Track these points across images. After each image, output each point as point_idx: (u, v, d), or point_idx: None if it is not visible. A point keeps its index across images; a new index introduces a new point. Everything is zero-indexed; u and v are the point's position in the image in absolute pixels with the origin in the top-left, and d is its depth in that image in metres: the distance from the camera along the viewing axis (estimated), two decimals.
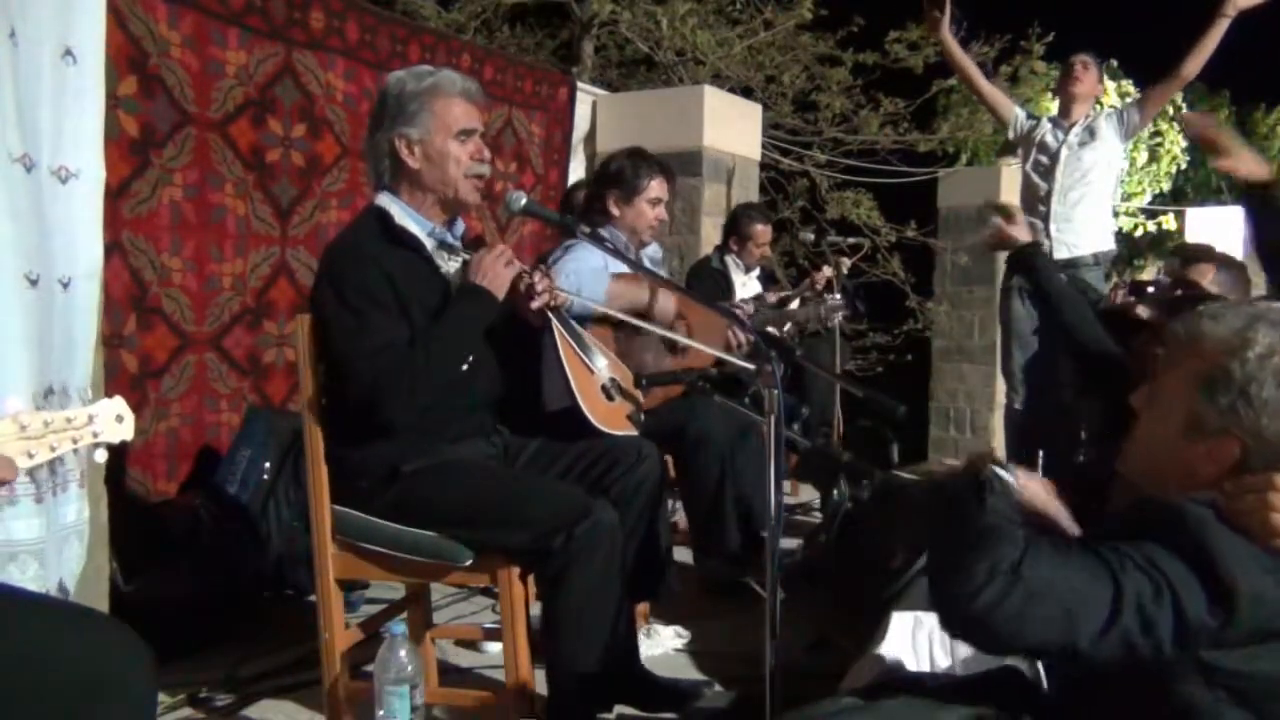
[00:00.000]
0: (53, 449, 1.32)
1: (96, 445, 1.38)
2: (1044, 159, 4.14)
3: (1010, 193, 6.29)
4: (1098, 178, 4.13)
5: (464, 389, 2.09)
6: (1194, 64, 3.99)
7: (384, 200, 2.10)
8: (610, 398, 2.46)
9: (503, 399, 2.26)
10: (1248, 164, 2.64)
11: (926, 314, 7.79)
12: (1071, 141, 4.10)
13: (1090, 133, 4.11)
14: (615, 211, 3.07)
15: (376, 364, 1.95)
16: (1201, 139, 2.76)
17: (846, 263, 4.32)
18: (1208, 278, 2.92)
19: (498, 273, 2.07)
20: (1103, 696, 1.33)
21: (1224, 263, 2.92)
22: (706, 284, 4.23)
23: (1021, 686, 1.73)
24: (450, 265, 2.15)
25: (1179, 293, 2.81)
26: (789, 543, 3.40)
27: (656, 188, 3.08)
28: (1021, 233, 3.14)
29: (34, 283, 2.11)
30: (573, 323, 2.46)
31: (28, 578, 2.10)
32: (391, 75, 2.12)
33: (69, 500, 2.25)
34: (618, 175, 3.09)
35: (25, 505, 2.11)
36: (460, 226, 2.20)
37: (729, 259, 4.41)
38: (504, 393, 2.26)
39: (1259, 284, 3.34)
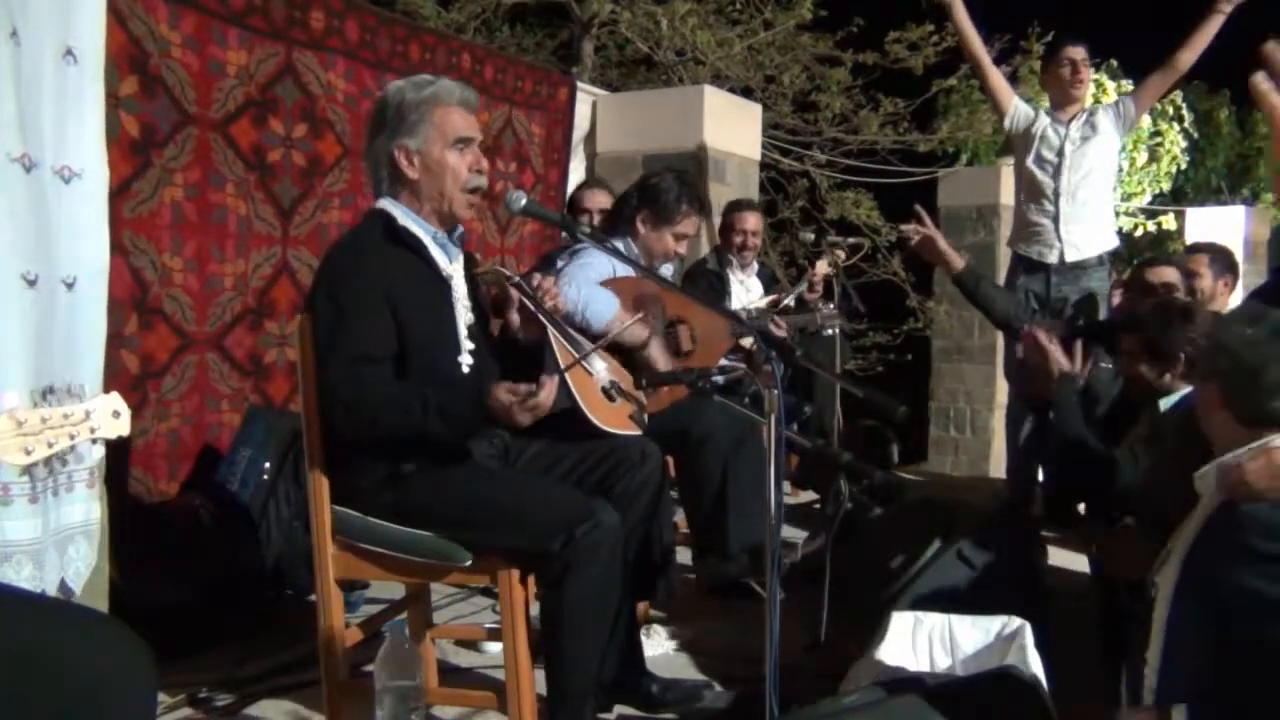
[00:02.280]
0: (50, 445, 1.32)
1: (94, 441, 1.38)
2: (1049, 156, 4.05)
3: (1009, 192, 6.29)
4: (1100, 174, 4.08)
5: (466, 391, 2.10)
6: (1188, 56, 3.95)
7: (385, 203, 2.11)
8: (612, 399, 2.46)
9: None
10: None
11: (926, 314, 7.79)
12: (1074, 138, 4.01)
13: (1092, 128, 4.03)
14: (641, 229, 3.05)
15: (345, 373, 1.95)
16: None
17: (842, 255, 4.30)
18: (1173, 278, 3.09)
19: (515, 418, 1.96)
20: None
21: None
22: (701, 285, 4.22)
23: (1022, 686, 1.74)
24: (453, 267, 2.16)
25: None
26: (789, 543, 3.40)
27: (689, 225, 3.06)
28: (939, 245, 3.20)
29: (32, 283, 2.11)
30: (568, 328, 2.46)
31: (22, 578, 2.09)
32: (391, 85, 2.13)
33: (74, 500, 2.25)
34: (658, 196, 3.04)
35: (20, 506, 2.10)
36: (460, 229, 2.21)
37: (725, 258, 4.40)
38: None
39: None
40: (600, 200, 4.00)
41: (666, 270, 3.33)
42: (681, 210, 3.03)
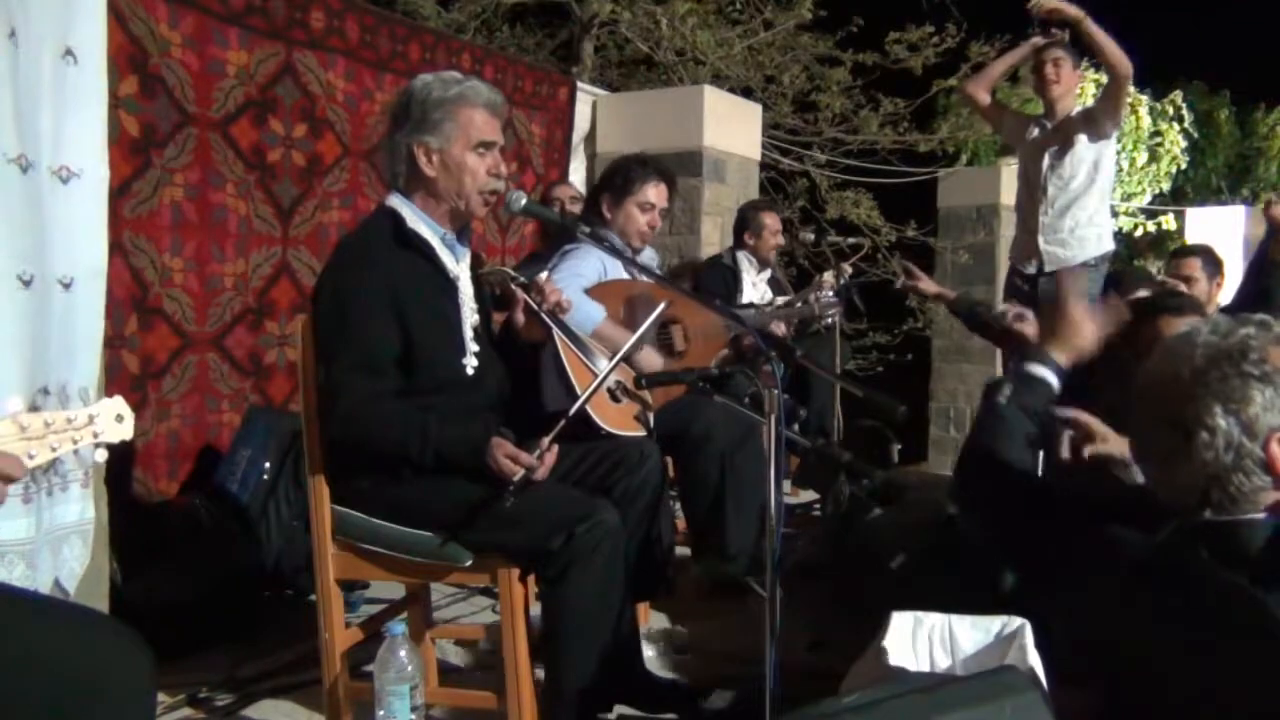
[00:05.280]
0: (53, 449, 1.31)
1: (97, 445, 1.38)
2: (1030, 168, 4.09)
3: (1010, 193, 6.29)
4: (1082, 182, 4.02)
5: (469, 391, 2.10)
6: (1113, 59, 3.81)
7: (396, 202, 2.10)
8: (616, 399, 2.46)
9: (509, 401, 2.26)
10: None
11: (926, 314, 7.79)
12: (1053, 146, 4.02)
13: (1070, 135, 4.01)
14: (607, 214, 3.06)
15: (346, 379, 1.96)
16: None
17: (847, 269, 4.33)
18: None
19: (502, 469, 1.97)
20: None
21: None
22: (714, 280, 4.22)
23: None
24: (460, 268, 2.16)
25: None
26: (789, 543, 3.40)
27: (650, 192, 3.03)
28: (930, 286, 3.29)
29: (27, 283, 2.11)
30: (572, 328, 2.46)
31: (14, 578, 2.09)
32: (420, 78, 2.11)
33: (68, 500, 2.25)
34: (611, 176, 3.08)
35: (12, 505, 2.10)
36: (468, 230, 2.21)
37: (741, 256, 4.36)
38: (510, 395, 2.26)
39: None
40: (568, 191, 4.05)
41: (653, 261, 3.33)
42: (636, 178, 3.03)
